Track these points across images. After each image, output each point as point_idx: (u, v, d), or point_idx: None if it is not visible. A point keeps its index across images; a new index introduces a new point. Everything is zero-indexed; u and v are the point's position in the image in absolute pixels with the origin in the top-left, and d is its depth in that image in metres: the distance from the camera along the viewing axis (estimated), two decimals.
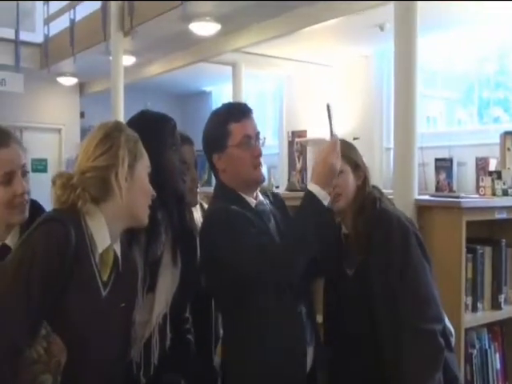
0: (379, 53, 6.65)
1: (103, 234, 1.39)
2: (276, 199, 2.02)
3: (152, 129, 1.74)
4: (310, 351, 1.84)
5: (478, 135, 5.69)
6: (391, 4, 3.52)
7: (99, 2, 6.47)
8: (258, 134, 1.88)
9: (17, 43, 7.67)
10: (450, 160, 5.74)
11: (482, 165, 4.85)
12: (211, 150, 1.86)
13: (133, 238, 1.63)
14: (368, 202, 1.87)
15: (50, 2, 7.79)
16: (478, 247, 2.43)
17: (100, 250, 1.38)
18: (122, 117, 5.94)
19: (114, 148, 1.43)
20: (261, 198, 1.92)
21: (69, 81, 8.54)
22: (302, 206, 1.69)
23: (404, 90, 3.05)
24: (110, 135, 1.45)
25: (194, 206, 2.13)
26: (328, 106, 1.78)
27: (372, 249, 1.81)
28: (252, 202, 1.87)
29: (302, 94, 7.81)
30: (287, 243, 1.68)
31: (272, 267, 1.64)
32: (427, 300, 1.76)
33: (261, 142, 1.88)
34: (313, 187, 1.67)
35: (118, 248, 1.45)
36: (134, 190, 1.44)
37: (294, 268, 1.69)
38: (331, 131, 1.75)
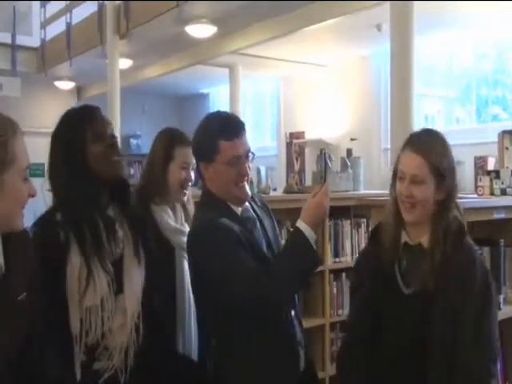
0: (376, 53, 6.64)
1: None
2: (262, 203, 2.04)
3: (68, 130, 1.72)
4: (302, 353, 1.87)
5: (477, 134, 5.68)
6: (388, 4, 3.53)
7: (95, 6, 6.46)
8: (247, 151, 1.86)
9: (13, 47, 7.65)
10: None
11: (480, 164, 4.83)
12: (199, 158, 1.89)
13: (95, 247, 1.61)
14: (453, 229, 1.66)
15: (47, 5, 7.78)
16: (477, 248, 2.41)
17: None
18: (118, 120, 5.94)
19: None
20: (246, 204, 1.93)
21: (66, 85, 8.54)
22: (291, 243, 1.76)
23: (400, 90, 3.04)
24: None
25: (178, 202, 2.24)
26: (323, 153, 1.78)
27: (446, 279, 1.61)
28: (237, 209, 1.88)
29: (299, 95, 7.80)
30: (273, 277, 1.70)
31: (261, 295, 1.66)
32: (495, 355, 1.62)
33: (250, 158, 1.87)
34: (303, 226, 1.71)
35: None
36: (3, 202, 1.27)
37: (282, 296, 1.74)
38: (325, 177, 1.79)
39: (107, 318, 1.60)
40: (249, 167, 1.88)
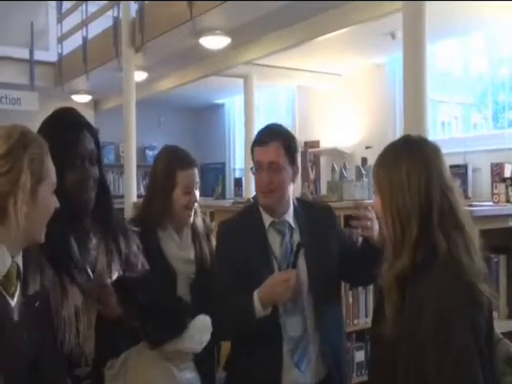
0: (391, 61, 6.62)
1: (2, 259, 1.34)
2: (318, 214, 2.11)
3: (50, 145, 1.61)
4: (290, 363, 1.92)
5: (494, 140, 5.63)
6: (401, 12, 3.52)
7: (110, 21, 6.55)
8: (272, 162, 1.94)
9: (31, 63, 7.78)
10: (465, 166, 5.67)
11: (497, 171, 4.79)
12: None
13: (66, 261, 1.63)
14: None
15: (64, 21, 7.90)
16: (493, 256, 2.40)
17: (0, 275, 1.33)
18: (134, 132, 6.00)
19: (14, 172, 1.31)
20: (287, 217, 2.01)
21: (83, 98, 8.63)
22: (243, 302, 1.87)
23: (414, 98, 3.03)
24: (12, 154, 1.32)
25: (184, 225, 2.24)
26: (299, 245, 1.90)
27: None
28: (267, 222, 2.00)
29: (314, 104, 7.80)
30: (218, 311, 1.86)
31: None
32: None
33: (279, 168, 1.97)
34: (256, 298, 1.83)
35: (20, 260, 1.41)
36: (35, 213, 1.36)
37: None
38: (294, 265, 1.87)
39: (82, 327, 1.63)
40: (274, 178, 1.96)
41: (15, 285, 1.40)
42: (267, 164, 1.94)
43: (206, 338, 1.72)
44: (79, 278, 1.64)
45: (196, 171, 2.25)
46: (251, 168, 2.00)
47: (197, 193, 2.26)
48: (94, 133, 1.76)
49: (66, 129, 1.72)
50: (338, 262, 2.02)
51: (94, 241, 1.72)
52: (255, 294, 1.83)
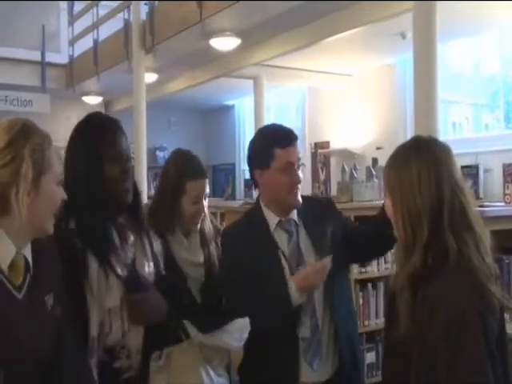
0: (402, 61, 6.61)
1: (5, 249, 1.35)
2: (318, 206, 2.12)
3: (88, 144, 1.75)
4: (307, 372, 1.92)
5: (505, 141, 5.59)
6: (412, 12, 3.51)
7: (121, 23, 6.59)
8: (299, 160, 1.99)
9: (43, 65, 7.84)
10: (477, 167, 5.64)
11: (509, 171, 4.75)
12: (254, 165, 2.03)
13: (108, 253, 1.67)
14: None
15: (75, 23, 7.96)
16: (504, 257, 2.38)
17: (4, 265, 1.34)
18: (144, 133, 6.02)
19: (16, 162, 1.33)
20: (294, 215, 2.03)
21: (94, 99, 8.68)
22: (279, 292, 1.87)
23: (424, 98, 3.02)
24: (14, 144, 1.34)
25: (193, 232, 2.24)
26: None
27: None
28: (273, 223, 2.01)
29: (324, 105, 7.80)
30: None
31: None
32: None
33: (300, 167, 2.00)
34: (292, 286, 1.85)
35: (28, 252, 1.41)
36: (39, 203, 1.37)
37: None
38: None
39: (126, 318, 1.66)
40: (300, 176, 2.00)
41: (23, 277, 1.39)
42: (296, 163, 1.98)
43: (246, 335, 1.80)
44: (119, 270, 1.67)
45: (206, 182, 2.21)
46: (276, 169, 1.96)
47: (205, 203, 2.21)
48: (125, 134, 1.84)
49: (104, 125, 1.81)
50: (345, 248, 2.04)
51: (131, 238, 1.76)
52: (291, 283, 1.86)
